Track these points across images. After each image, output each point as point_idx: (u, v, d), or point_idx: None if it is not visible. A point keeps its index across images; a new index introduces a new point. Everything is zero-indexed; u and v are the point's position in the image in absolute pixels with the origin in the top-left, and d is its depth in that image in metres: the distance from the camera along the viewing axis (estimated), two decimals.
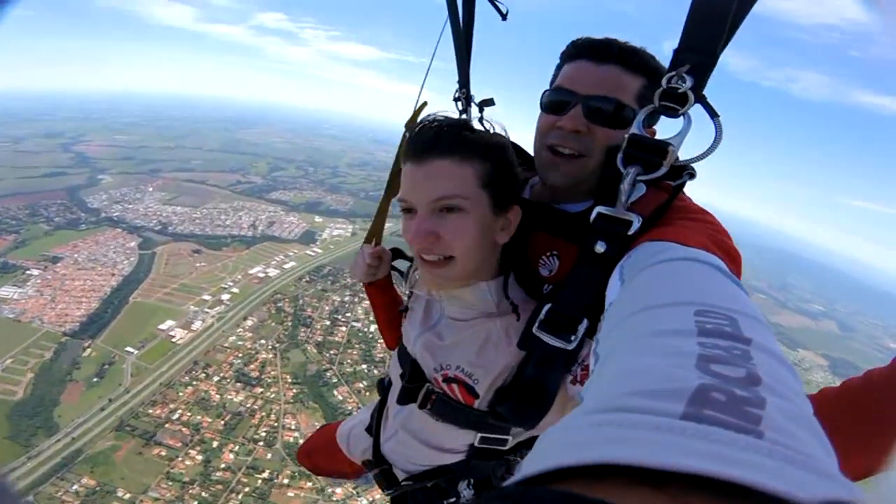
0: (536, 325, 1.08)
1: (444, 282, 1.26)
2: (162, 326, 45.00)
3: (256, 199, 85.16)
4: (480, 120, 1.58)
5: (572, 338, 1.03)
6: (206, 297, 50.79)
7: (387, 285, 1.80)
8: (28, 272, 50.11)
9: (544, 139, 1.25)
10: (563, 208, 1.30)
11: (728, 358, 0.45)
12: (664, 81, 0.94)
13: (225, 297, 51.36)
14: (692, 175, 1.04)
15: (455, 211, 1.15)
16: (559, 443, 0.38)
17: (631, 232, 0.96)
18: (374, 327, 47.60)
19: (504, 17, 1.69)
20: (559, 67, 1.30)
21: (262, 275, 56.57)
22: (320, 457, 2.28)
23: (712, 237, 0.90)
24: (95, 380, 37.52)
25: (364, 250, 1.70)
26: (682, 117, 0.95)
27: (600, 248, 0.98)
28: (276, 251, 63.65)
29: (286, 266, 59.48)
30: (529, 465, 0.34)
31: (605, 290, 0.92)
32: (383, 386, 1.78)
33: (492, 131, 1.38)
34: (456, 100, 1.70)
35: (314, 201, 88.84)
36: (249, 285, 54.25)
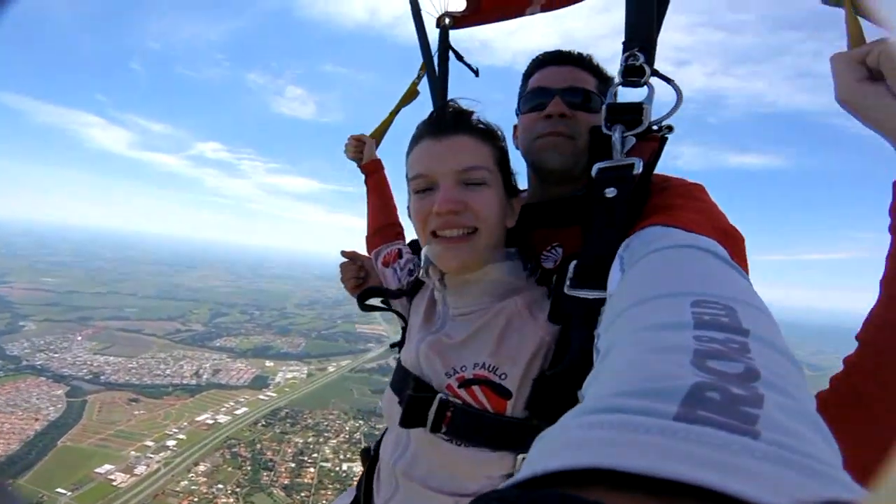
0: (567, 284, 0.96)
1: (467, 257, 1.11)
2: (99, 470, 38.02)
3: (199, 347, 78.49)
4: None
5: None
6: (149, 443, 44.02)
7: (380, 170, 1.96)
8: None
9: (532, 133, 1.31)
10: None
11: (725, 352, 0.43)
12: (622, 59, 1.07)
13: (171, 442, 44.76)
14: (671, 128, 1.08)
15: (479, 184, 1.11)
16: (554, 445, 0.36)
17: (635, 172, 0.95)
18: (346, 465, 43.54)
19: (476, 73, 1.98)
20: (524, 86, 1.40)
21: (210, 421, 50.31)
22: None
23: (711, 219, 0.88)
24: None
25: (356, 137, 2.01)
26: (645, 87, 1.07)
27: (610, 193, 0.95)
28: (225, 398, 57.53)
29: (238, 412, 53.48)
30: (525, 468, 0.33)
31: (631, 224, 0.91)
32: (368, 455, 1.46)
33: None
34: None
35: (263, 346, 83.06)
36: (198, 431, 47.93)
